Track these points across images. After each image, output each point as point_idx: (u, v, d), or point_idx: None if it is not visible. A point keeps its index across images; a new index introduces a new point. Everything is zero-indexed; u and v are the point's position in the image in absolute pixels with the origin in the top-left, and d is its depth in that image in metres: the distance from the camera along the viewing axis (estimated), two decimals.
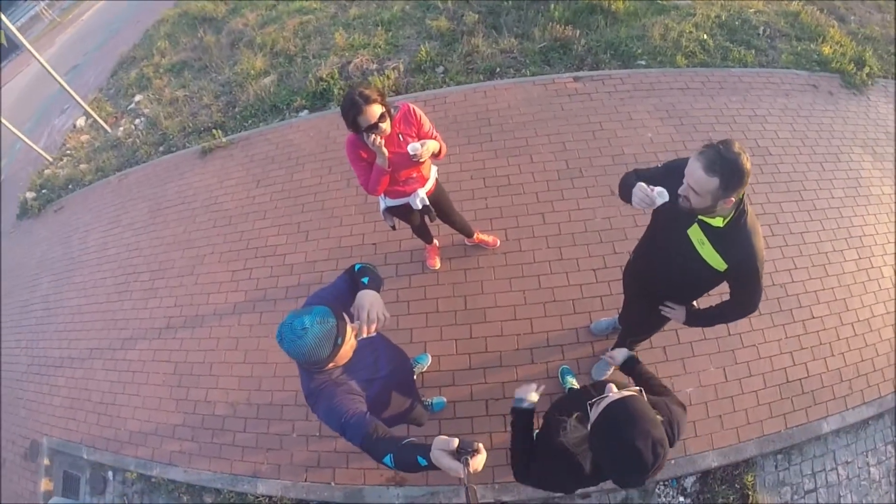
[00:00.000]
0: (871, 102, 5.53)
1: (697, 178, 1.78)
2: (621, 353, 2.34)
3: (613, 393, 1.58)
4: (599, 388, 1.90)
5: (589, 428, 1.58)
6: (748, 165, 1.74)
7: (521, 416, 2.12)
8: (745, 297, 2.20)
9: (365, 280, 2.10)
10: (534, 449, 2.05)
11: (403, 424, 3.09)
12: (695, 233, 2.07)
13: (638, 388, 1.65)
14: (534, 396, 2.14)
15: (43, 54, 7.83)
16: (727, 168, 1.72)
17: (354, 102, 2.51)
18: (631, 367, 2.29)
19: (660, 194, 2.01)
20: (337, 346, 1.71)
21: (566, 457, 1.71)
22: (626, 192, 2.18)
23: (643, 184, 2.04)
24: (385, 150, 2.72)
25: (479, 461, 1.44)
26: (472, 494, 1.38)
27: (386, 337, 2.47)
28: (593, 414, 1.56)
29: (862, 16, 6.82)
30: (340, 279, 2.20)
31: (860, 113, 5.40)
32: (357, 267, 2.21)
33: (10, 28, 6.86)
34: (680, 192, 1.91)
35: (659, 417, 1.54)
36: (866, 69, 5.70)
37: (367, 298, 1.98)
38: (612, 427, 1.48)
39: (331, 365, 1.81)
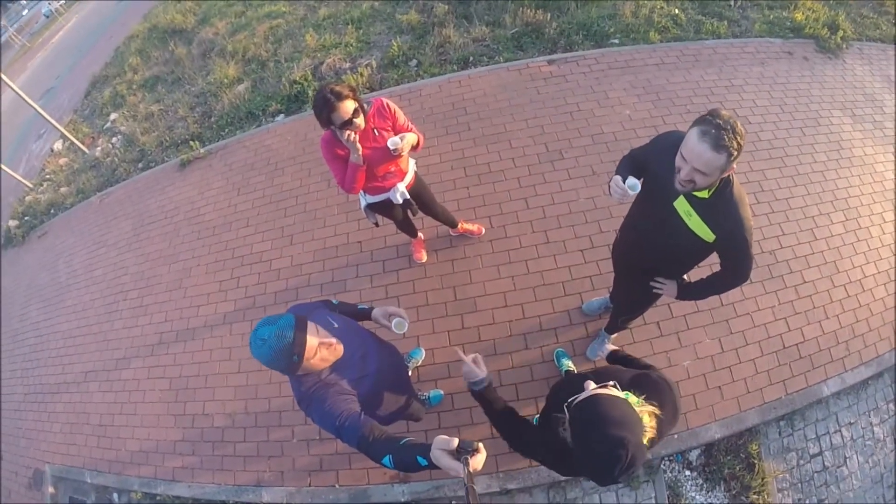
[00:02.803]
0: (848, 65, 5.55)
1: (707, 159, 1.73)
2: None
3: (585, 392, 1.54)
4: (599, 374, 1.87)
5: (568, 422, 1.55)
6: (743, 128, 1.72)
7: (482, 397, 2.03)
8: (736, 267, 2.18)
9: (363, 307, 2.41)
10: (515, 420, 1.98)
11: (401, 421, 3.07)
12: (681, 205, 2.05)
13: (612, 382, 1.60)
14: (480, 373, 1.97)
15: (16, 81, 7.76)
16: (732, 139, 1.69)
17: (327, 100, 2.49)
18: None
19: (632, 187, 2.07)
20: (293, 363, 1.67)
21: (562, 444, 1.67)
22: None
23: (618, 177, 2.10)
24: (359, 146, 2.69)
25: (479, 460, 1.42)
26: (473, 494, 1.35)
27: (374, 333, 2.44)
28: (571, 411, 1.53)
29: None
30: (320, 302, 2.30)
31: (837, 76, 5.42)
32: (335, 302, 2.38)
33: None
34: (682, 179, 1.86)
35: (644, 407, 1.53)
36: (840, 33, 5.72)
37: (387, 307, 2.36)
38: (579, 428, 1.47)
39: (301, 370, 1.77)
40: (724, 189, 1.94)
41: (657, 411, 1.55)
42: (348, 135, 2.61)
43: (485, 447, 1.46)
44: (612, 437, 1.36)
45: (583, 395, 1.51)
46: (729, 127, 1.68)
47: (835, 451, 3.61)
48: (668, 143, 2.01)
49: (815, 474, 3.53)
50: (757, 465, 3.46)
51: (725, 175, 1.87)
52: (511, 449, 1.96)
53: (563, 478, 3.41)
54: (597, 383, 1.57)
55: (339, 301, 2.42)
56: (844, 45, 5.70)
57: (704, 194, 1.95)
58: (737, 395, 3.58)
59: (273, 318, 1.69)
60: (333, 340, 1.83)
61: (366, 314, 2.40)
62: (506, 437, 1.98)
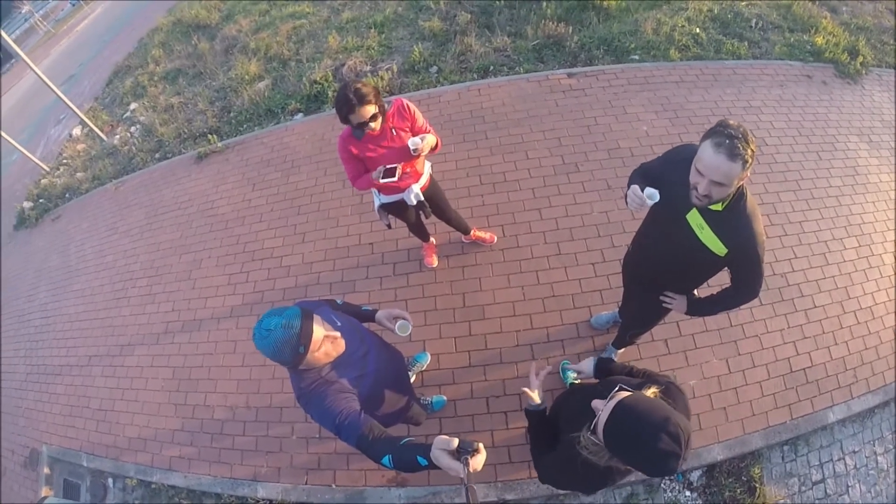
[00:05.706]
0: (866, 91, 5.53)
1: (725, 170, 1.71)
2: (588, 364, 2.22)
3: (603, 408, 1.50)
4: (605, 385, 1.85)
5: (604, 445, 1.49)
6: (752, 135, 1.72)
7: (532, 417, 2.08)
8: (747, 282, 2.16)
9: (367, 308, 2.42)
10: (550, 443, 1.99)
11: (401, 424, 3.06)
12: (693, 218, 2.03)
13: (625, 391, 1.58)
14: (537, 398, 2.08)
15: (38, 65, 7.86)
16: (746, 147, 1.67)
17: (348, 100, 2.53)
18: (606, 371, 2.18)
19: (650, 196, 2.02)
20: (299, 354, 1.66)
21: (585, 465, 1.64)
22: None
23: (636, 186, 2.06)
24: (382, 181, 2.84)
25: (479, 461, 1.42)
26: (472, 494, 1.36)
27: (376, 333, 2.44)
28: (599, 435, 1.48)
29: (854, 6, 6.81)
30: (324, 301, 2.32)
31: (855, 102, 5.39)
32: (339, 302, 2.39)
33: (6, 40, 6.89)
34: (700, 194, 1.83)
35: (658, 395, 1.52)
36: (860, 58, 5.70)
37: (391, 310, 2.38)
38: (627, 438, 1.41)
39: (304, 364, 1.76)
40: (737, 202, 1.92)
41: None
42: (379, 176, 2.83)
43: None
44: (663, 425, 1.35)
45: (604, 414, 1.47)
46: (741, 135, 1.67)
47: (837, 479, 3.55)
48: (681, 157, 2.01)
49: (817, 501, 3.48)
50: (758, 490, 3.41)
51: (739, 184, 1.85)
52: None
53: (561, 491, 3.39)
54: (606, 391, 1.56)
55: (343, 301, 2.42)
56: (864, 71, 5.68)
57: (718, 207, 1.93)
58: (741, 417, 3.54)
59: (279, 310, 1.69)
60: (338, 334, 1.83)
61: (369, 315, 2.41)
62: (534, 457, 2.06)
